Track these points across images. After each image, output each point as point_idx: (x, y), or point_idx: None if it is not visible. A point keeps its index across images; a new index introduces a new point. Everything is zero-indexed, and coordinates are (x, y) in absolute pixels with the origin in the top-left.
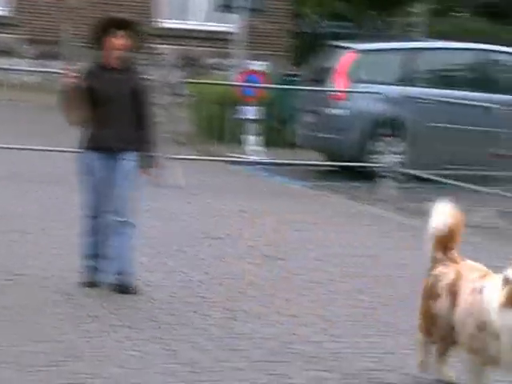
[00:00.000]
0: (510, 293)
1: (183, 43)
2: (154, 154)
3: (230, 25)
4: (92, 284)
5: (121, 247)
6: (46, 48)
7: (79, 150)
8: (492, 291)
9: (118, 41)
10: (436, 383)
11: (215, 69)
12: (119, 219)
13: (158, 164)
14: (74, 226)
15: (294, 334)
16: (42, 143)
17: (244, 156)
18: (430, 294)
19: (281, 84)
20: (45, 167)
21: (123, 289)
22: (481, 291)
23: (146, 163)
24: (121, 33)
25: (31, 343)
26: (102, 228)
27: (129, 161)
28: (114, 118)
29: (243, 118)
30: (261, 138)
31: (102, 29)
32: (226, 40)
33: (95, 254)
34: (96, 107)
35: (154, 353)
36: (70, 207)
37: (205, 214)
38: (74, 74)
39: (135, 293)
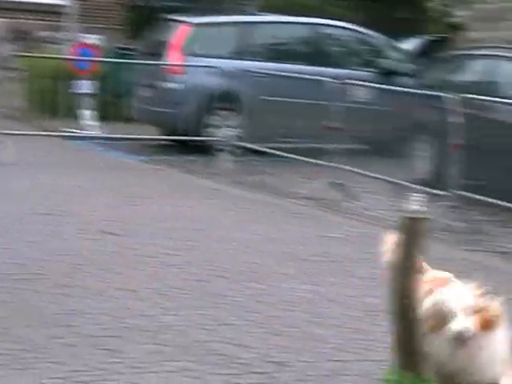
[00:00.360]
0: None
1: (13, 16)
2: None
3: None
4: None
5: None
6: None
7: None
8: None
9: None
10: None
11: (48, 42)
12: None
13: None
14: None
15: (128, 308)
16: None
17: (79, 131)
18: None
19: (115, 58)
20: None
21: None
22: None
23: None
24: None
25: None
26: None
27: None
28: None
29: (78, 92)
30: (96, 112)
31: None
32: (58, 13)
33: None
34: None
35: None
36: None
37: (38, 190)
38: None
39: None
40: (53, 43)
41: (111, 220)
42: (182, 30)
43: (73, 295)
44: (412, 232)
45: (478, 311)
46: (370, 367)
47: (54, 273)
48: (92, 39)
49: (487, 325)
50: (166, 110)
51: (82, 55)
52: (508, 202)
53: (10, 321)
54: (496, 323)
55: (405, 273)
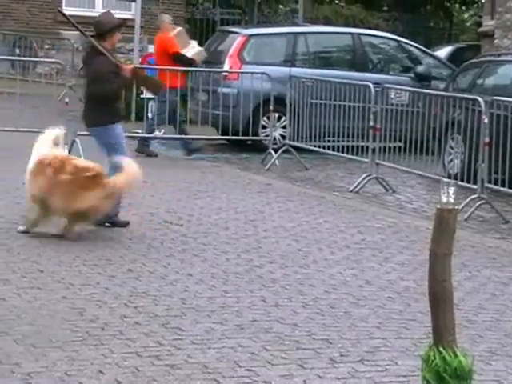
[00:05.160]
0: None
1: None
2: None
3: (130, 12)
4: None
5: None
6: None
7: None
8: None
9: None
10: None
11: (120, 53)
12: None
13: None
14: None
15: (188, 291)
16: None
17: (144, 132)
18: None
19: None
20: None
21: None
22: None
23: None
24: None
25: None
26: None
27: None
28: None
29: (145, 97)
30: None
31: None
32: (126, 26)
33: None
34: None
35: (63, 311)
36: None
37: None
38: None
39: None
40: (123, 53)
41: (174, 212)
42: (238, 40)
43: (140, 279)
44: (445, 221)
45: None
46: (409, 344)
47: (122, 259)
48: None
49: None
50: (223, 113)
51: (149, 64)
52: None
53: (82, 302)
54: None
55: (441, 258)
